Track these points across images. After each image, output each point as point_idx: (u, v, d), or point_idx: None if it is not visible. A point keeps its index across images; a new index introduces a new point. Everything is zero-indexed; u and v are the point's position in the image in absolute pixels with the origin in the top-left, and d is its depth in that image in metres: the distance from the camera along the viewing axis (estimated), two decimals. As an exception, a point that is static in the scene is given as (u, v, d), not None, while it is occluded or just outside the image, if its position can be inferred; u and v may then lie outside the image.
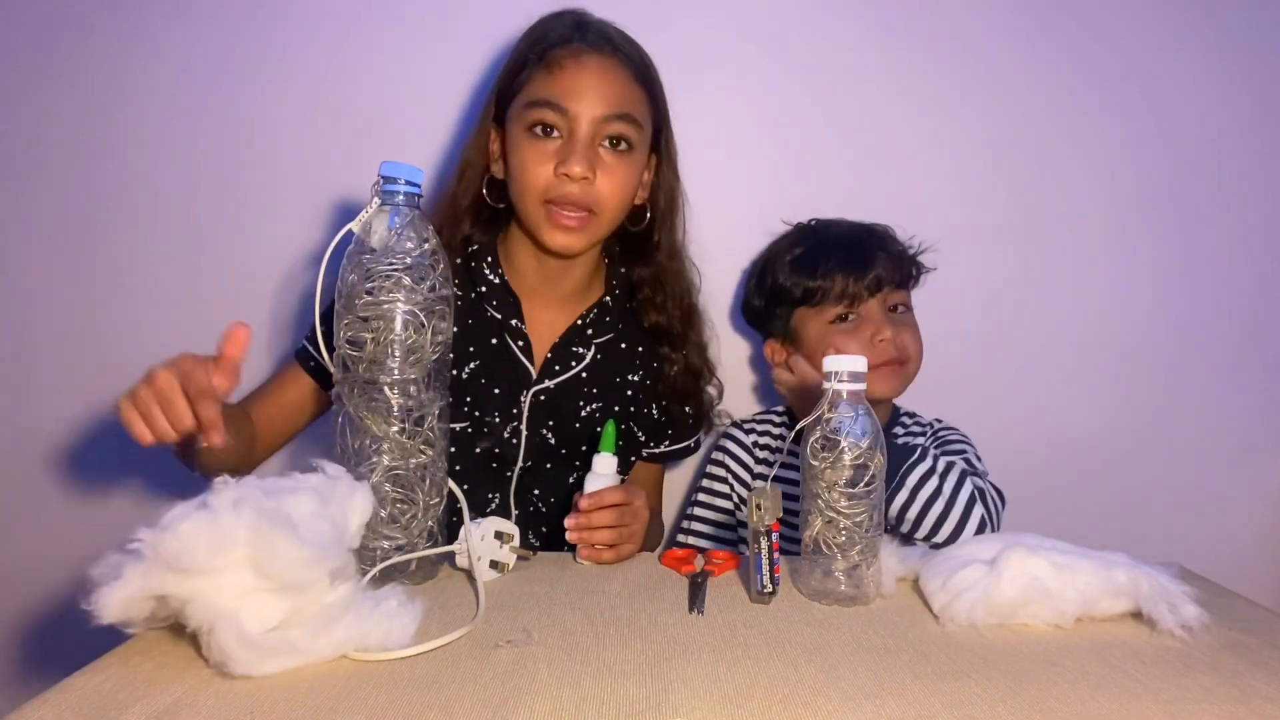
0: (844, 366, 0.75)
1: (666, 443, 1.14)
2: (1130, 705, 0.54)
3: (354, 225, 0.77)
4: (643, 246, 1.07)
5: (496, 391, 1.02)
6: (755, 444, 1.19)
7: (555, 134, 0.95)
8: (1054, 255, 1.35)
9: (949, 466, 0.97)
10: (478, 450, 1.01)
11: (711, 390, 1.14)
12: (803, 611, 0.72)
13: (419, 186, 0.78)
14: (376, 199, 0.77)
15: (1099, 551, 0.72)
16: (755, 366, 1.36)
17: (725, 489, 1.19)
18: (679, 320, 1.08)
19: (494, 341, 1.02)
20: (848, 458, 0.73)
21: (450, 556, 0.80)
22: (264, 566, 0.57)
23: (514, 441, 1.02)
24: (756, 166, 1.34)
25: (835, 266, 1.08)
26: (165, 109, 1.31)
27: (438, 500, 0.79)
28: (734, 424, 1.22)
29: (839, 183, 1.32)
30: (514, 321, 1.02)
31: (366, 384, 0.75)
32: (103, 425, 1.32)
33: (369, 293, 0.75)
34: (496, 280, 1.03)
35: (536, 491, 1.05)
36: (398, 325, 0.75)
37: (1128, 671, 0.60)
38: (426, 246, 0.77)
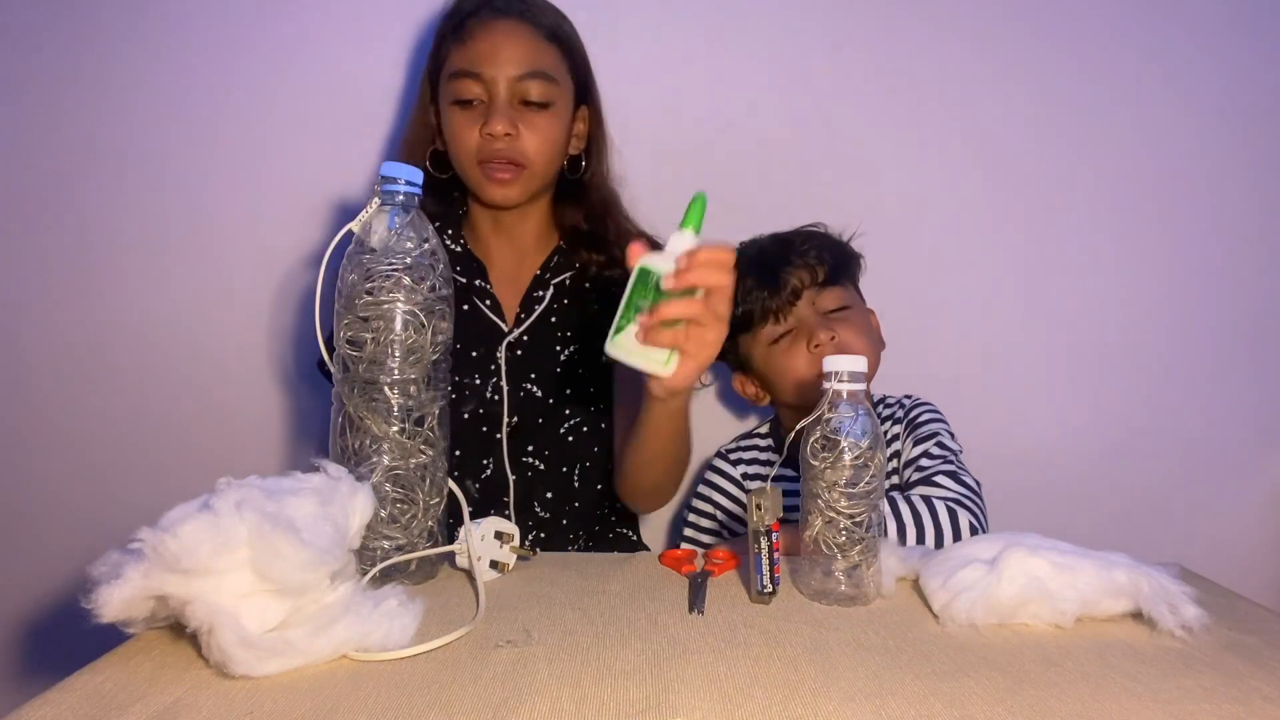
0: (844, 366, 0.75)
1: None
2: (1130, 705, 0.54)
3: (354, 225, 0.77)
4: (580, 190, 1.12)
5: (473, 354, 1.06)
6: (744, 475, 1.17)
7: (477, 101, 1.01)
8: (1052, 256, 1.36)
9: (914, 511, 0.90)
10: (465, 415, 1.04)
11: None
12: (803, 611, 0.72)
13: (419, 187, 0.78)
14: (376, 199, 0.77)
15: (1099, 551, 0.72)
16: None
17: (713, 525, 1.17)
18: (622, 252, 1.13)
19: (464, 307, 1.06)
20: (848, 458, 0.73)
21: (450, 556, 0.80)
22: (266, 569, 0.57)
23: (495, 398, 1.05)
24: (753, 166, 1.34)
25: (752, 286, 1.07)
26: (164, 111, 1.31)
27: (438, 500, 0.79)
28: (719, 454, 1.20)
29: (826, 187, 1.33)
30: (478, 282, 1.07)
31: (366, 384, 0.75)
32: (104, 424, 1.32)
33: (369, 293, 0.75)
34: (459, 249, 1.09)
35: (531, 448, 1.07)
36: (398, 325, 0.75)
37: (1128, 671, 0.60)
38: (426, 246, 0.77)
